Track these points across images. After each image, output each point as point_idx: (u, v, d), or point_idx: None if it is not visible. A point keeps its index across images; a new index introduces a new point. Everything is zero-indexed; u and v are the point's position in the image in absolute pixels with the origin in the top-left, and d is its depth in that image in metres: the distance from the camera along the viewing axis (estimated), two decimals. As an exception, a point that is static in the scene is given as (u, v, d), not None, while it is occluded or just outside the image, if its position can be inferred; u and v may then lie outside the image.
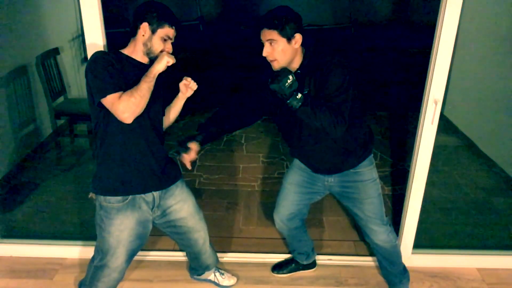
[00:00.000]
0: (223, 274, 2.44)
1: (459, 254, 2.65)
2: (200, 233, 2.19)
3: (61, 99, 3.87)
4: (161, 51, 1.80)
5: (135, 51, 1.82)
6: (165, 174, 1.97)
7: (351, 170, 2.07)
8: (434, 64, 2.12)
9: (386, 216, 2.20)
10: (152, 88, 1.75)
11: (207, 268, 2.38)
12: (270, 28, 1.78)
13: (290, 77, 1.75)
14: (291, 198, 2.24)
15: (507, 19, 3.69)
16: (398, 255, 2.34)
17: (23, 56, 3.71)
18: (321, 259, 2.63)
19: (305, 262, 2.54)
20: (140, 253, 2.61)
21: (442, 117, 4.29)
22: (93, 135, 1.91)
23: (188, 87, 1.95)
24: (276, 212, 2.30)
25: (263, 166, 3.83)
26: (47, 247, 2.66)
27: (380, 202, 2.14)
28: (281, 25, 1.77)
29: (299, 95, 1.77)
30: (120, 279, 2.04)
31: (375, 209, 2.14)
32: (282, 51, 1.80)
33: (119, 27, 4.59)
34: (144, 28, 1.78)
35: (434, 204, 3.19)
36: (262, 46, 1.83)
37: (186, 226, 2.11)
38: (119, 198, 1.88)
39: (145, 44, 1.80)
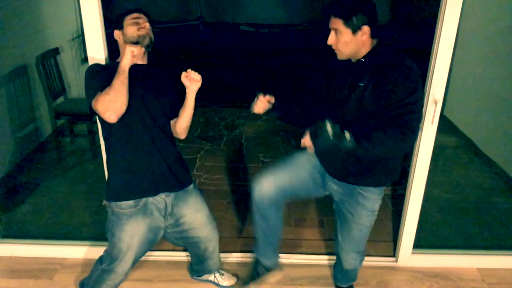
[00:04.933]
0: (223, 274, 2.44)
1: (459, 254, 2.65)
2: (211, 242, 2.18)
3: (61, 99, 3.87)
4: (139, 29, 1.84)
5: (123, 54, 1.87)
6: (173, 175, 1.96)
7: (358, 189, 1.92)
8: (434, 64, 2.12)
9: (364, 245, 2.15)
10: (125, 82, 1.73)
11: (209, 272, 2.39)
12: (336, 16, 1.69)
13: (328, 125, 1.65)
14: (303, 169, 2.01)
15: (507, 19, 3.69)
16: (355, 275, 2.36)
17: (23, 56, 3.71)
18: (321, 259, 2.63)
19: (268, 263, 2.26)
20: (140, 253, 2.62)
21: (442, 117, 4.30)
22: (104, 143, 1.95)
23: (190, 78, 1.92)
24: (271, 175, 1.97)
25: (263, 166, 3.83)
26: (47, 247, 2.66)
27: (367, 232, 2.05)
28: (348, 15, 1.67)
29: (348, 136, 1.65)
30: (123, 280, 2.06)
31: (358, 236, 2.05)
32: (345, 42, 1.70)
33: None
34: (116, 34, 1.89)
35: (434, 204, 3.19)
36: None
37: (198, 236, 2.11)
38: (131, 203, 1.88)
39: (125, 41, 1.86)
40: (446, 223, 3.07)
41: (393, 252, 2.68)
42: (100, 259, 2.07)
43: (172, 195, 1.98)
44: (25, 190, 3.35)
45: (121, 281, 2.04)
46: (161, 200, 1.94)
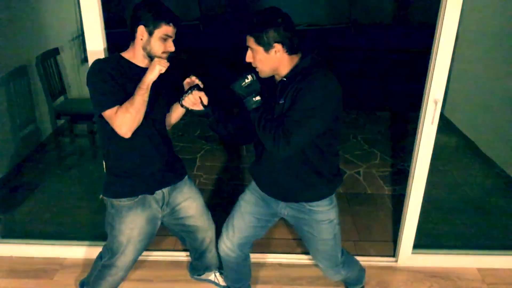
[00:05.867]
0: (222, 274, 2.44)
1: (459, 254, 2.65)
2: (207, 233, 2.20)
3: (61, 99, 3.87)
4: (163, 52, 1.76)
5: (135, 55, 1.79)
6: (170, 172, 1.98)
7: (307, 206, 1.87)
8: (434, 64, 2.12)
9: (341, 256, 2.08)
10: (147, 99, 1.70)
11: (208, 268, 2.39)
12: (247, 34, 1.67)
13: (249, 77, 1.68)
14: (247, 219, 2.02)
15: (507, 19, 3.69)
16: (353, 276, 2.28)
17: (23, 56, 3.71)
18: (321, 259, 2.63)
19: None
20: (140, 253, 2.61)
21: (442, 117, 4.30)
22: (102, 144, 1.92)
23: (192, 103, 1.87)
24: (227, 235, 2.05)
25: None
26: (47, 247, 2.66)
27: (334, 244, 1.98)
28: (257, 32, 1.64)
29: (257, 98, 1.67)
30: (124, 278, 2.05)
31: (327, 251, 2.00)
32: (260, 60, 1.68)
33: (119, 27, 4.59)
34: (141, 31, 1.73)
35: (434, 204, 3.19)
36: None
37: (194, 225, 2.12)
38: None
39: (144, 48, 1.76)
40: (446, 223, 3.06)
41: (393, 252, 2.68)
42: (100, 256, 2.07)
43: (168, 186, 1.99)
44: (25, 190, 3.35)
45: (121, 278, 2.04)
46: (159, 192, 1.95)
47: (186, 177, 2.08)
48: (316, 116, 1.62)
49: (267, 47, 1.65)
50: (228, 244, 2.07)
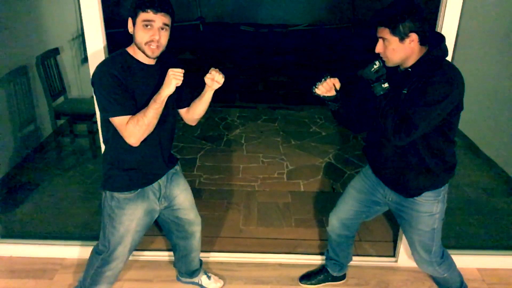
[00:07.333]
0: (209, 277, 2.43)
1: (459, 254, 2.63)
2: (198, 227, 2.22)
3: (61, 99, 3.87)
4: (146, 43, 1.69)
5: (135, 50, 1.78)
6: (168, 162, 2.00)
7: (409, 198, 1.95)
8: (434, 64, 2.11)
9: (440, 253, 2.14)
10: (160, 112, 1.72)
11: (194, 266, 2.36)
12: (381, 25, 1.72)
13: (377, 63, 1.73)
14: (351, 203, 2.16)
15: (507, 19, 3.69)
16: (452, 281, 2.29)
17: (23, 56, 3.70)
18: (321, 259, 2.63)
19: (335, 274, 2.45)
20: (140, 252, 2.62)
21: (442, 117, 4.28)
22: (104, 140, 1.93)
23: (213, 80, 1.84)
24: (334, 213, 2.23)
25: (263, 166, 3.83)
26: (47, 247, 2.66)
27: (430, 237, 2.04)
28: (393, 23, 1.68)
29: (386, 85, 1.74)
30: (121, 269, 2.07)
31: (422, 241, 2.06)
32: (392, 50, 1.73)
33: (119, 27, 4.59)
34: (129, 24, 1.73)
35: (434, 204, 3.18)
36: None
37: (187, 218, 2.15)
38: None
39: (134, 41, 1.74)
40: (446, 223, 3.04)
41: (393, 252, 2.68)
42: (96, 251, 2.05)
43: (164, 176, 2.00)
44: (25, 190, 3.35)
45: (120, 270, 2.05)
46: (155, 183, 1.97)
47: (178, 166, 2.10)
48: (439, 110, 1.68)
49: (403, 37, 1.70)
50: (333, 221, 2.23)
